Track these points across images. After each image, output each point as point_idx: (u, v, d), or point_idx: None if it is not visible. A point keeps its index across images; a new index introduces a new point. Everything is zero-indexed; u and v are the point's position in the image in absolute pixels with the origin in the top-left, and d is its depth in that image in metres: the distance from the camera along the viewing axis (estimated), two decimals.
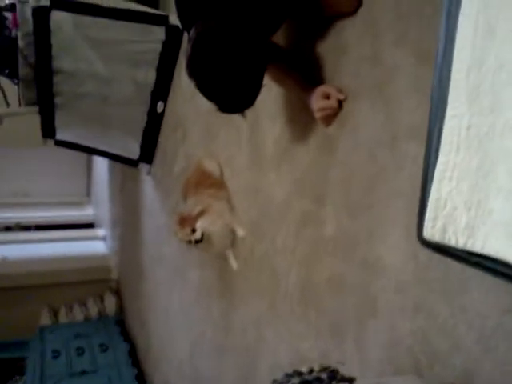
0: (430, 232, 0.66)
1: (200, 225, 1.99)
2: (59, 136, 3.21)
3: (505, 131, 0.57)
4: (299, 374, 0.71)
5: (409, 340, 1.14)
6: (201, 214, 2.02)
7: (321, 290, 1.49)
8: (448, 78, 0.64)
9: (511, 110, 0.57)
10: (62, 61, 2.69)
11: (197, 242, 2.00)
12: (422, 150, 1.07)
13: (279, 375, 1.03)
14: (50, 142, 3.23)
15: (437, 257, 1.01)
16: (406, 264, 1.15)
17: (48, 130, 3.13)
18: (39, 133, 3.14)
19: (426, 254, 1.07)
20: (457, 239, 0.62)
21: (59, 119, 3.04)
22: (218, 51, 1.24)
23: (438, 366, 1.06)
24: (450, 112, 0.64)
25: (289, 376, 0.71)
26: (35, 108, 3.02)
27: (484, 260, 0.60)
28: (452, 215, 0.63)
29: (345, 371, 1.29)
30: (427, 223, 0.66)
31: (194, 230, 1.99)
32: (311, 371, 0.72)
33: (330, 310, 1.45)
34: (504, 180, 0.57)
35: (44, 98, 2.88)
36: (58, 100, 2.90)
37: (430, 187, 0.66)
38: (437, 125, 0.66)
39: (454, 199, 0.63)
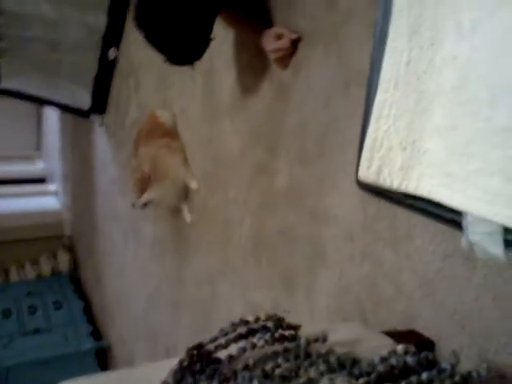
0: (366, 173, 0.64)
1: (150, 194, 1.99)
2: (4, 84, 3.01)
3: (443, 66, 0.55)
4: (245, 322, 0.69)
5: (356, 287, 1.16)
6: (157, 179, 1.97)
7: (273, 240, 1.49)
8: (391, 11, 0.61)
9: (450, 43, 0.55)
10: (5, 1, 2.49)
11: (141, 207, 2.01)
12: None
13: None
14: None
15: (385, 205, 1.02)
16: (355, 213, 1.15)
17: None
18: None
19: (374, 202, 1.07)
20: (392, 180, 0.61)
21: (4, 66, 2.84)
22: (165, 1, 1.20)
23: (382, 311, 1.08)
24: (390, 46, 0.61)
25: (235, 325, 0.68)
26: None
27: (418, 201, 0.59)
28: (388, 155, 0.61)
29: (294, 320, 1.31)
30: (363, 164, 0.64)
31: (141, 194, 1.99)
32: (257, 320, 0.70)
33: (281, 260, 1.46)
34: (439, 118, 0.56)
35: None
36: (1, 44, 2.70)
37: (367, 127, 0.64)
38: (378, 61, 0.63)
39: (390, 139, 0.61)
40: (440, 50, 0.56)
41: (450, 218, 0.55)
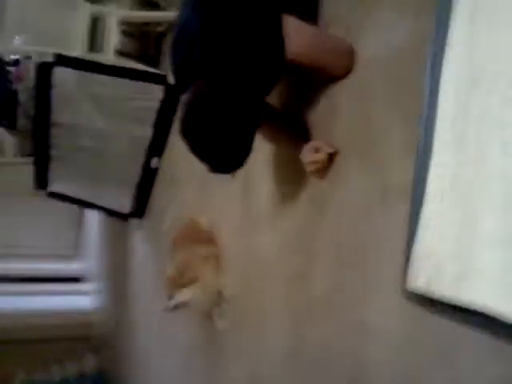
0: (414, 284, 0.63)
1: (181, 296, 2.00)
2: (52, 188, 3.21)
3: (490, 180, 0.56)
4: None
5: None
6: (188, 282, 2.01)
7: (311, 351, 1.44)
8: (433, 127, 0.64)
9: (495, 159, 0.56)
10: (61, 114, 2.74)
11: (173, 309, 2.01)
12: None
13: None
14: (42, 194, 3.22)
15: (428, 315, 0.97)
16: (397, 326, 1.11)
17: (41, 181, 3.13)
18: (29, 184, 3.14)
19: (417, 311, 1.04)
20: (442, 292, 0.59)
21: (54, 171, 3.05)
22: (210, 115, 1.29)
23: None
24: (435, 160, 0.63)
25: None
26: (30, 159, 3.03)
27: (472, 315, 0.56)
28: (437, 266, 0.60)
29: None
30: (411, 275, 0.63)
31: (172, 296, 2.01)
32: None
33: (319, 375, 1.40)
34: (490, 230, 0.55)
35: (40, 150, 2.91)
36: (53, 152, 2.92)
37: (415, 238, 0.63)
38: (422, 174, 0.65)
39: (439, 250, 0.60)
40: (486, 165, 0.57)
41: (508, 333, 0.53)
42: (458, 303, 0.58)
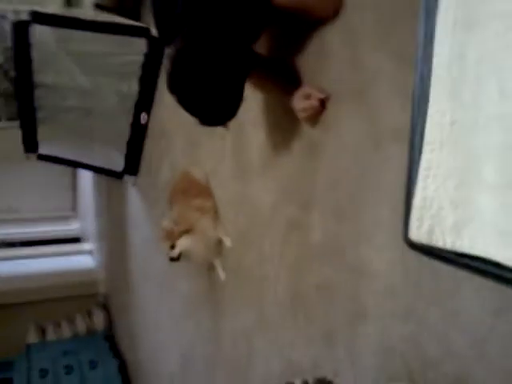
0: (416, 233, 0.63)
1: (180, 243, 2.00)
2: (42, 150, 3.18)
3: (488, 125, 0.56)
4: None
5: (401, 346, 1.13)
6: (185, 231, 2.02)
7: (310, 296, 1.49)
8: (429, 74, 0.63)
9: (493, 103, 0.55)
10: (43, 74, 2.67)
11: (174, 259, 2.02)
12: (404, 152, 1.08)
13: None
14: (33, 157, 3.19)
15: (426, 259, 1.01)
16: (395, 268, 1.14)
17: (30, 145, 3.09)
18: (21, 148, 3.11)
19: (414, 256, 1.06)
20: (444, 240, 0.60)
21: (42, 133, 3.01)
22: (197, 67, 1.25)
23: (430, 372, 1.05)
24: (432, 108, 0.62)
25: None
26: (16, 123, 2.98)
27: (473, 261, 0.58)
28: (438, 215, 0.61)
29: (338, 380, 1.29)
30: (413, 224, 0.64)
31: (173, 247, 2.01)
32: (305, 383, 0.70)
33: (320, 316, 1.45)
34: (490, 177, 0.55)
35: (25, 113, 2.86)
36: (40, 114, 2.88)
37: (415, 187, 0.64)
38: (419, 122, 0.64)
39: (440, 198, 0.61)
40: (484, 110, 0.56)
41: (509, 277, 0.54)
42: (459, 250, 0.59)
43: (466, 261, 0.59)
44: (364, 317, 1.26)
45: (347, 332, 1.33)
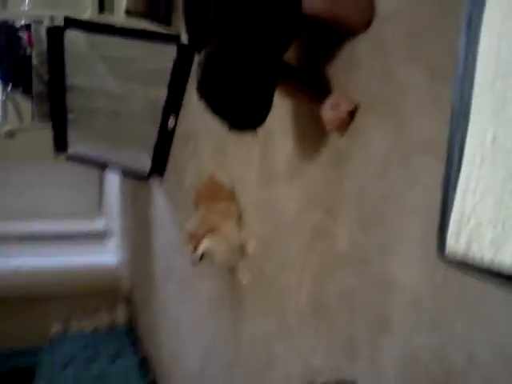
0: (453, 248, 0.63)
1: (204, 245, 2.02)
2: (71, 151, 3.27)
3: None
4: None
5: (424, 357, 1.13)
6: (208, 231, 2.05)
7: (332, 305, 1.49)
8: (470, 89, 0.62)
9: None
10: (75, 78, 2.75)
11: (197, 262, 2.05)
12: (435, 166, 1.08)
13: None
14: (62, 157, 3.29)
15: (453, 272, 1.00)
16: (421, 280, 1.14)
17: (60, 145, 3.19)
18: (51, 147, 3.20)
19: (441, 268, 1.05)
20: (482, 256, 0.59)
21: (72, 134, 3.10)
22: (228, 73, 1.26)
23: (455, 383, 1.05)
24: (473, 124, 0.61)
25: None
26: (48, 123, 3.08)
27: (508, 280, 0.57)
28: (477, 231, 0.60)
29: None
30: (449, 239, 0.63)
31: (196, 248, 2.03)
32: None
33: (342, 325, 1.45)
34: None
35: (57, 114, 2.94)
36: (70, 116, 2.96)
37: (452, 201, 0.63)
38: (458, 138, 0.63)
39: (478, 214, 0.60)
40: None
41: None
42: (498, 267, 0.58)
43: (504, 279, 0.58)
44: (387, 327, 1.26)
45: (369, 342, 1.33)
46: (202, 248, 2.03)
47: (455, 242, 0.63)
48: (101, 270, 4.85)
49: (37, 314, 4.47)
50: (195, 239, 2.04)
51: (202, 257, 2.06)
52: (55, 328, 4.55)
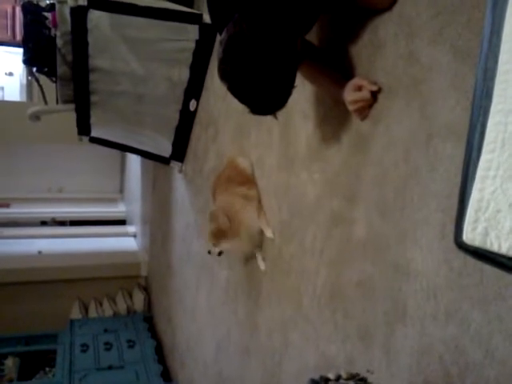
0: (470, 235, 0.61)
1: (222, 246, 2.07)
2: (94, 133, 3.27)
3: None
4: (326, 380, 0.69)
5: (440, 348, 1.10)
6: (232, 234, 2.06)
7: (349, 292, 1.47)
8: (494, 72, 0.59)
9: None
10: (98, 59, 2.74)
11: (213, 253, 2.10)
12: (458, 150, 1.05)
13: (305, 379, 1.01)
14: (85, 139, 3.30)
15: (472, 261, 0.98)
16: (439, 268, 1.11)
17: (83, 128, 3.19)
18: (75, 130, 3.21)
19: (460, 257, 1.04)
20: (499, 244, 0.57)
21: (94, 117, 3.10)
22: (249, 54, 1.23)
23: (470, 376, 1.02)
24: (495, 107, 0.59)
25: (315, 382, 0.68)
26: (72, 106, 3.08)
27: None
28: (495, 218, 0.58)
29: (372, 379, 1.27)
30: (467, 226, 0.61)
31: (215, 245, 2.08)
32: (338, 378, 0.69)
33: (358, 313, 1.43)
34: None
35: (80, 96, 2.95)
36: (93, 98, 2.96)
37: (471, 187, 0.61)
38: (479, 121, 0.61)
39: (497, 200, 0.58)
40: None
41: None
42: None
43: None
44: (403, 317, 1.23)
45: (385, 331, 1.30)
46: (221, 247, 2.09)
47: (473, 230, 0.61)
48: (121, 255, 4.89)
49: (56, 297, 4.54)
50: (217, 233, 2.06)
51: (220, 253, 2.12)
52: (75, 312, 4.61)
